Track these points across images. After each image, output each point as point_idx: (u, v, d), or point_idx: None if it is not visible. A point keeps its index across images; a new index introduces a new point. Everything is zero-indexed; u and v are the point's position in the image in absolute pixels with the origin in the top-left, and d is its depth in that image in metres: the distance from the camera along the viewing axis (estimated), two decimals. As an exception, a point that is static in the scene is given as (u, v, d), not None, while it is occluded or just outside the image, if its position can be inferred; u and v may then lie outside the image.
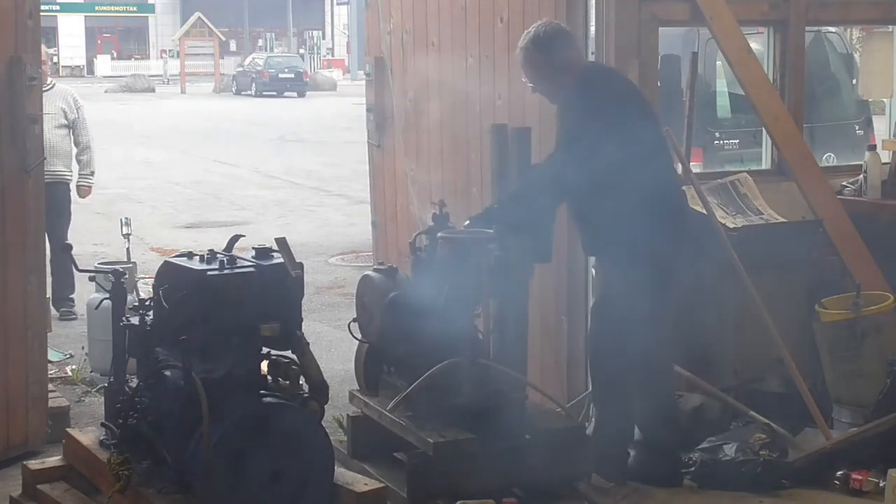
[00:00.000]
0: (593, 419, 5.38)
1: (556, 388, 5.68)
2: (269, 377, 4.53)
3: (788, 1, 6.15)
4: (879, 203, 6.18)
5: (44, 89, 7.69)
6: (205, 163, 20.37)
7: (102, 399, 5.19)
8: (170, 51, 56.36)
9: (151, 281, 5.10)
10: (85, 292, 8.10)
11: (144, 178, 18.03)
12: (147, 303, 4.63)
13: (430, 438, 4.60)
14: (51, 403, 6.00)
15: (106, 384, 4.91)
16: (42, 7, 5.95)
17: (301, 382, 4.49)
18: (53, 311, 8.35)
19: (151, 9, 62.77)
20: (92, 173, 8.90)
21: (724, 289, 5.62)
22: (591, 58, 5.61)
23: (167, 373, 4.35)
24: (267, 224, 13.38)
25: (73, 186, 8.81)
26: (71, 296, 8.62)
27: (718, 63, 9.81)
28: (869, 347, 5.64)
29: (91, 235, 11.86)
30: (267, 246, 4.58)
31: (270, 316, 4.36)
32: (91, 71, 59.12)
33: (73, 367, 7.31)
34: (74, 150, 8.78)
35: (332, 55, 64.55)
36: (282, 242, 4.50)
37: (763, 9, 6.15)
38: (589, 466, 4.94)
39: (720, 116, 10.70)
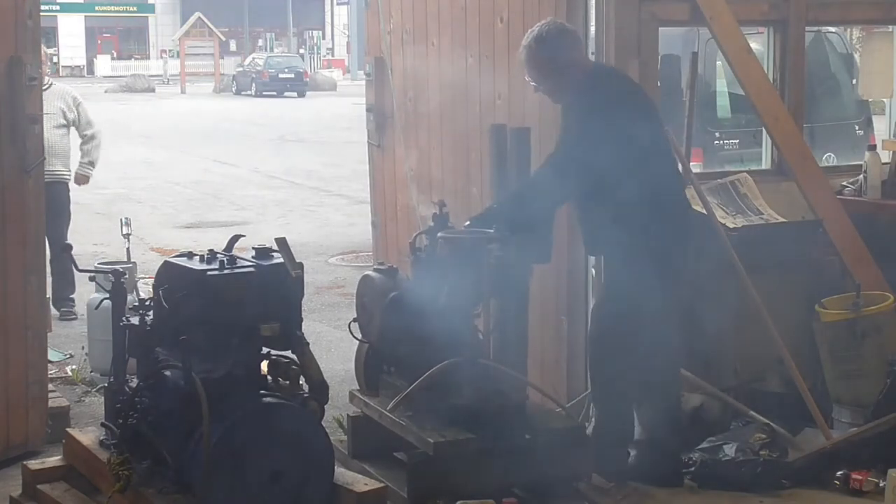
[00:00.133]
0: (593, 419, 5.38)
1: (556, 388, 5.68)
2: (269, 377, 4.53)
3: (788, 1, 6.15)
4: (879, 203, 6.18)
5: (44, 88, 7.71)
6: (205, 163, 20.37)
7: (102, 399, 5.18)
8: (170, 51, 56.36)
9: (151, 281, 5.10)
10: (85, 292, 8.10)
11: (144, 178, 18.03)
12: (147, 303, 4.63)
13: (430, 438, 4.60)
14: (51, 403, 6.00)
15: (106, 384, 4.91)
16: (42, 7, 5.95)
17: (301, 382, 4.49)
18: (54, 311, 8.35)
19: (151, 9, 62.77)
20: (91, 163, 8.82)
21: (724, 289, 5.62)
22: (591, 58, 5.61)
23: (167, 373, 4.35)
24: (267, 224, 13.38)
25: (72, 185, 8.81)
26: (71, 296, 8.62)
27: (718, 63, 9.81)
28: (869, 347, 5.64)
29: (91, 235, 11.86)
30: (267, 246, 4.58)
31: (270, 316, 4.36)
32: (91, 71, 59.13)
33: (73, 367, 7.31)
34: (77, 147, 8.79)
35: (332, 55, 64.56)
36: (282, 242, 4.50)
37: (763, 9, 6.15)
38: (589, 466, 4.94)
39: (720, 116, 10.70)
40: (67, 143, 8.62)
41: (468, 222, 5.06)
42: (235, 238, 4.70)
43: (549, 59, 5.07)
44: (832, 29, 10.57)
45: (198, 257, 4.52)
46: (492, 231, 4.89)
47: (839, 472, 5.07)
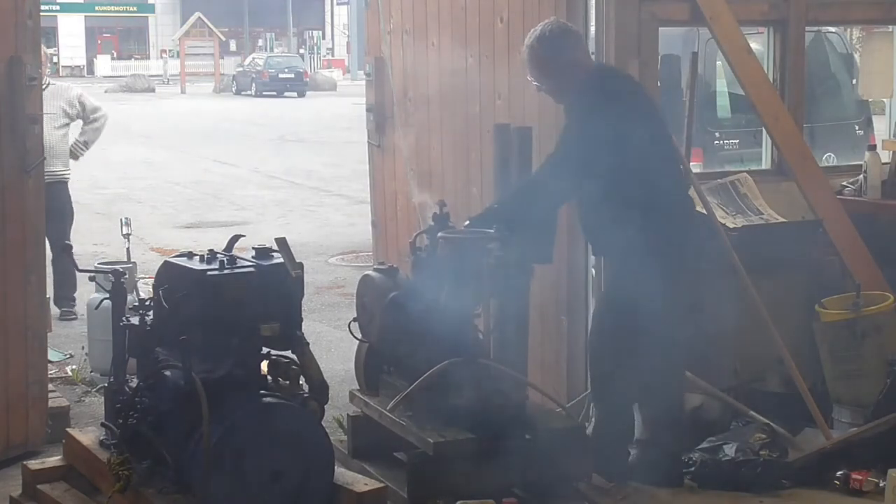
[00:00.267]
0: (593, 419, 5.38)
1: (556, 387, 5.68)
2: (269, 377, 4.53)
3: (788, 1, 6.15)
4: (879, 203, 6.18)
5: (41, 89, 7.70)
6: (205, 163, 20.37)
7: (102, 399, 5.18)
8: (170, 51, 56.37)
9: (151, 281, 5.10)
10: (85, 292, 8.11)
11: (144, 178, 18.03)
12: (147, 303, 4.63)
13: (430, 438, 4.60)
14: (51, 403, 5.99)
15: (106, 384, 4.91)
16: (42, 7, 5.95)
17: (301, 382, 4.49)
18: (54, 310, 8.36)
19: (151, 9, 62.78)
20: (86, 143, 8.75)
21: (724, 289, 5.62)
22: (592, 58, 5.61)
23: (167, 373, 4.35)
24: (267, 224, 13.38)
25: (72, 185, 8.81)
26: (73, 294, 8.61)
27: (718, 63, 9.81)
28: (869, 347, 5.64)
29: (91, 235, 11.85)
30: (267, 246, 4.58)
31: (270, 316, 4.36)
32: (91, 71, 59.12)
33: (73, 367, 7.31)
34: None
35: (332, 55, 64.57)
36: (282, 242, 4.50)
37: (763, 9, 6.15)
38: (589, 466, 4.93)
39: (720, 116, 10.70)
40: (67, 143, 8.62)
41: (468, 222, 5.06)
42: (235, 238, 4.70)
43: (551, 58, 5.06)
44: (832, 29, 10.57)
45: (198, 257, 4.52)
46: (492, 231, 4.89)
47: (839, 472, 5.07)
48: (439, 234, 4.98)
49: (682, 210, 5.15)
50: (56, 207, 8.03)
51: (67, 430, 5.11)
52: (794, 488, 5.09)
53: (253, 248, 4.56)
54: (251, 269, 4.42)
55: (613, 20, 5.65)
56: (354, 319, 5.15)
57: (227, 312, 4.30)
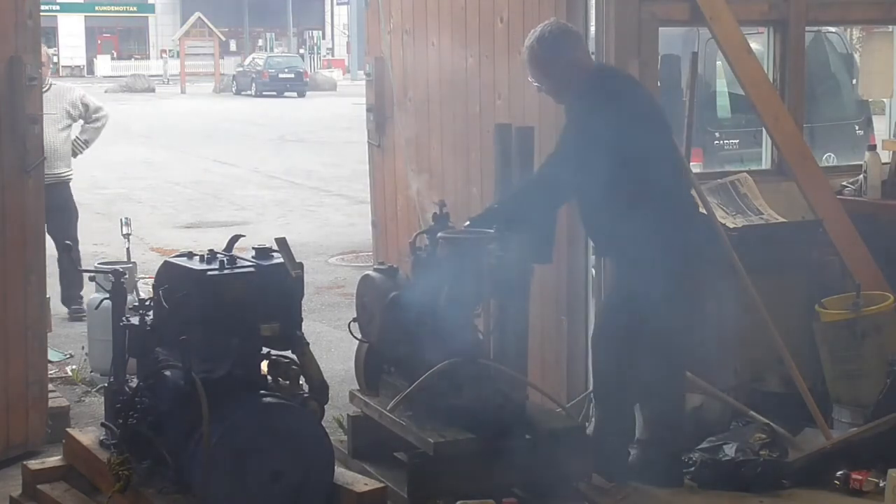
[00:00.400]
0: (593, 419, 5.38)
1: (556, 388, 5.68)
2: (269, 377, 4.53)
3: (788, 1, 6.15)
4: (879, 203, 6.18)
5: (43, 90, 7.71)
6: (205, 163, 20.37)
7: (102, 399, 5.19)
8: (170, 51, 56.36)
9: (151, 281, 5.10)
10: (85, 292, 8.11)
11: (144, 178, 18.03)
12: (147, 303, 4.63)
13: (430, 438, 4.60)
14: (51, 403, 5.99)
15: (106, 384, 4.91)
16: (42, 7, 5.95)
17: (301, 382, 4.49)
18: (63, 310, 8.37)
19: (151, 9, 62.77)
20: (86, 142, 8.74)
21: (724, 289, 5.62)
22: (592, 58, 5.61)
23: (167, 373, 4.35)
24: (267, 224, 13.38)
25: (74, 185, 8.82)
26: (80, 293, 8.60)
27: (718, 63, 9.81)
28: (869, 347, 5.64)
29: (91, 235, 11.83)
30: (267, 246, 4.58)
31: (270, 316, 4.36)
32: (91, 71, 59.13)
33: (73, 367, 7.30)
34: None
35: (332, 55, 64.57)
36: (282, 242, 4.50)
37: (763, 9, 6.15)
38: (589, 466, 4.93)
39: (720, 116, 10.70)
40: (70, 146, 8.63)
41: (468, 222, 5.06)
42: (235, 238, 4.70)
43: (551, 59, 5.06)
44: (832, 29, 10.57)
45: (198, 257, 4.52)
46: (492, 231, 4.89)
47: (839, 472, 5.07)
48: (439, 235, 4.98)
49: (683, 210, 5.15)
50: (59, 206, 8.07)
51: (67, 430, 5.11)
52: (794, 488, 5.09)
53: (253, 248, 4.56)
54: (251, 269, 4.42)
55: (613, 20, 5.65)
56: (354, 319, 5.15)
57: (227, 312, 4.30)
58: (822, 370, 5.75)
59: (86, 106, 8.63)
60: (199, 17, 50.16)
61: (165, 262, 4.64)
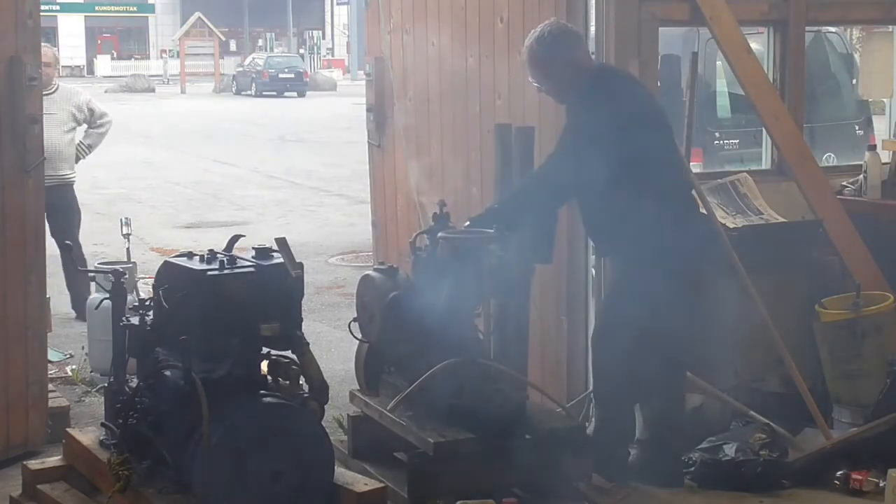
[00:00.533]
0: (593, 419, 5.38)
1: (556, 387, 5.68)
2: (269, 377, 4.53)
3: (788, 1, 6.15)
4: (879, 203, 6.18)
5: (49, 92, 7.73)
6: (205, 163, 20.37)
7: (102, 399, 5.19)
8: (170, 51, 56.37)
9: (151, 281, 5.10)
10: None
11: (144, 178, 18.03)
12: (147, 303, 4.64)
13: (430, 438, 4.60)
14: (51, 403, 6.00)
15: (106, 384, 4.91)
16: (42, 7, 5.95)
17: (301, 382, 4.49)
18: (63, 310, 8.35)
19: (151, 9, 62.78)
20: (90, 146, 8.75)
21: (724, 289, 5.62)
22: (592, 58, 5.61)
23: (167, 373, 4.35)
24: (267, 224, 13.38)
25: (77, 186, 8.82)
26: (88, 296, 8.57)
27: (718, 63, 9.81)
28: (869, 347, 5.64)
29: (91, 235, 11.82)
30: (267, 246, 4.58)
31: (270, 316, 4.36)
32: (91, 71, 59.16)
33: (73, 367, 7.31)
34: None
35: (332, 55, 64.57)
36: (282, 242, 4.50)
37: (763, 9, 6.15)
38: (589, 466, 4.93)
39: (720, 116, 10.70)
40: (74, 148, 8.64)
41: (468, 222, 5.06)
42: (235, 238, 4.70)
43: (551, 59, 5.06)
44: (832, 29, 10.57)
45: (198, 257, 4.52)
46: (492, 231, 4.89)
47: (839, 472, 5.07)
48: (439, 235, 4.97)
49: (683, 210, 5.15)
50: (63, 208, 8.10)
51: (67, 430, 5.11)
52: (794, 488, 5.09)
53: (253, 248, 4.56)
54: (251, 269, 4.42)
55: (613, 20, 5.65)
56: (354, 319, 5.15)
57: (227, 312, 4.30)
58: (822, 370, 5.75)
59: (91, 111, 8.65)
60: (199, 17, 50.17)
61: (165, 262, 4.64)
